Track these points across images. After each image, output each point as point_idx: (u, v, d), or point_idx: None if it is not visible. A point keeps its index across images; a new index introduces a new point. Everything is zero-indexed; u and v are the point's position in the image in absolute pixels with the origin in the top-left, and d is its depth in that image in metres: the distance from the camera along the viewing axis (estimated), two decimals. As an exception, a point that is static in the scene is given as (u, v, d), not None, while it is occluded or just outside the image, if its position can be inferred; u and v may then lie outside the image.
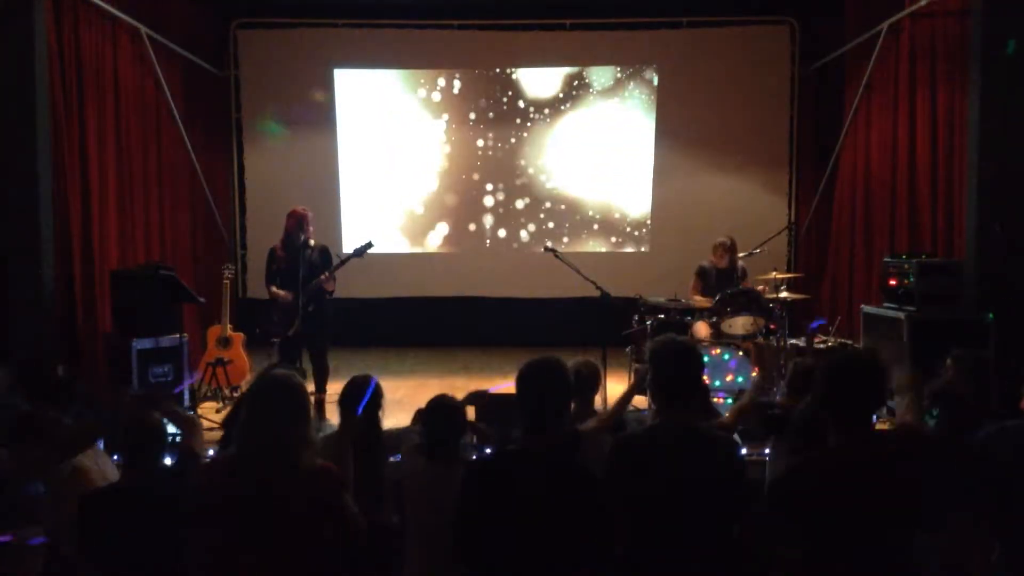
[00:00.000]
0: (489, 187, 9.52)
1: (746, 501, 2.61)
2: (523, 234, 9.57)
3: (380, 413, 3.54)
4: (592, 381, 3.76)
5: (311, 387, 5.69)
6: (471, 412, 4.09)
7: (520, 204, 9.55)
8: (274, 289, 6.02)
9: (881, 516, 2.39)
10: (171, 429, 3.24)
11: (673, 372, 2.66)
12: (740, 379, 5.81)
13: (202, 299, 6.28)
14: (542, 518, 2.43)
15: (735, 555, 2.55)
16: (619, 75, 9.41)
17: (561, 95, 9.42)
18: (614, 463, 2.61)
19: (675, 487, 2.52)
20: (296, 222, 5.97)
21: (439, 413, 3.23)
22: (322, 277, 5.89)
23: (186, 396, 5.94)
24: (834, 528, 2.40)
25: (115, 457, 4.49)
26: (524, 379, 2.62)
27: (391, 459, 3.53)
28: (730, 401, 5.69)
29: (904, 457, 2.53)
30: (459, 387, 5.86)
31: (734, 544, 2.56)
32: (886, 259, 6.24)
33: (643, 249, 9.53)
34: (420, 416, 3.31)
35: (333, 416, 2.94)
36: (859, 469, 2.41)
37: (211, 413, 6.11)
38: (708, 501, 2.52)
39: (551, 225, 9.54)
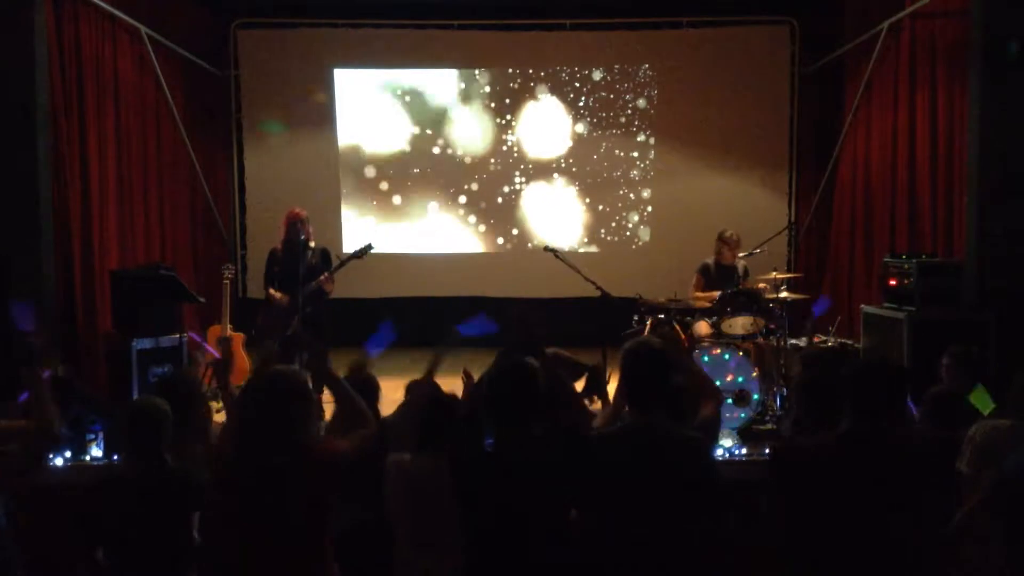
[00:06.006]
0: (489, 187, 9.51)
1: (716, 501, 2.64)
2: (523, 234, 9.57)
3: (378, 407, 3.55)
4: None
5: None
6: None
7: (520, 204, 9.55)
8: (271, 292, 6.06)
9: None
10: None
11: (642, 374, 2.71)
12: (740, 379, 5.81)
13: (202, 299, 6.29)
14: (517, 516, 2.49)
15: (702, 555, 2.57)
16: (619, 75, 9.41)
17: (561, 95, 9.41)
18: (582, 463, 2.63)
19: (642, 488, 2.54)
20: (292, 223, 6.02)
21: (428, 404, 3.15)
22: (321, 278, 5.95)
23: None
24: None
25: (115, 457, 4.50)
26: (495, 384, 2.65)
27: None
28: (730, 401, 5.69)
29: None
30: (459, 387, 5.85)
31: (702, 544, 2.58)
32: (886, 259, 6.23)
33: (643, 249, 9.52)
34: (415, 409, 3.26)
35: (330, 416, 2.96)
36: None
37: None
38: (675, 502, 2.55)
39: (552, 225, 9.53)
